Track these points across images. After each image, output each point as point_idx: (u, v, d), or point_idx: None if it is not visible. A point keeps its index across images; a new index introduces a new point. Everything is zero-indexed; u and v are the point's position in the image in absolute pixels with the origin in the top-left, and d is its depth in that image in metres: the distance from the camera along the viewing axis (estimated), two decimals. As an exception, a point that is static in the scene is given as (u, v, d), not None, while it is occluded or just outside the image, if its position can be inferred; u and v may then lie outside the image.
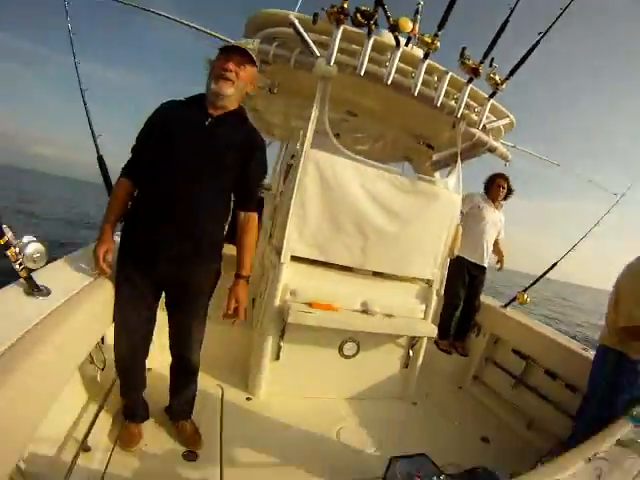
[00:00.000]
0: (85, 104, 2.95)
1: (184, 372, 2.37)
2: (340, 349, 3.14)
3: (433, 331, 3.27)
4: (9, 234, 1.55)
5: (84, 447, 1.97)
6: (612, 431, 1.98)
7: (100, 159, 2.92)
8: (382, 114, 3.62)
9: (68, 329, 1.52)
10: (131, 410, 2.32)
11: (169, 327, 2.25)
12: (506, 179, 4.29)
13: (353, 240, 2.98)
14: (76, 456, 1.88)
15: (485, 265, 4.30)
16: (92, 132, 2.96)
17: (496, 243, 4.45)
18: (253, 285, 3.48)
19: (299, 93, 3.38)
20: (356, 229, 2.97)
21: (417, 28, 2.79)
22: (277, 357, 2.97)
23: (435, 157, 4.15)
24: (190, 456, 2.22)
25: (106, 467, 1.98)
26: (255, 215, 2.21)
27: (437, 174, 4.04)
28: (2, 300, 1.55)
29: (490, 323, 4.19)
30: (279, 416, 2.81)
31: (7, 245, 1.55)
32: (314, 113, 2.83)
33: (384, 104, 3.33)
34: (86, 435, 2.04)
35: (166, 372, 2.43)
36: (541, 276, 4.28)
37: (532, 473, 1.61)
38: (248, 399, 2.93)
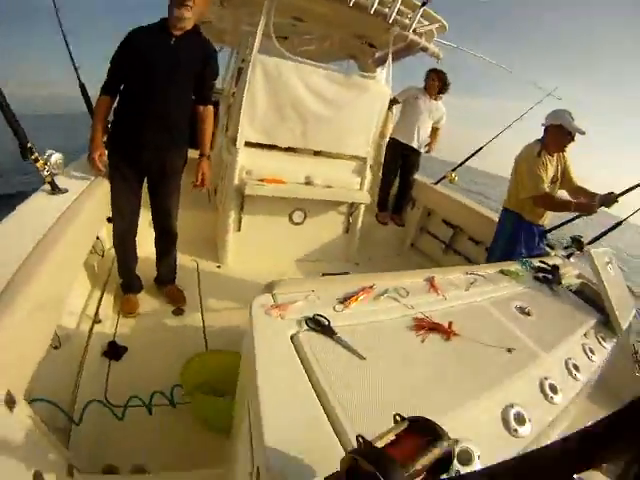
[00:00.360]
0: (65, 37, 3.18)
1: (166, 240, 2.94)
2: (290, 217, 3.76)
3: (367, 198, 3.94)
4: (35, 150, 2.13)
5: (96, 320, 2.52)
6: (498, 265, 2.40)
7: (82, 87, 3.25)
8: (327, 18, 3.92)
9: (80, 223, 2.02)
10: (128, 284, 2.89)
11: (152, 207, 2.81)
12: (438, 73, 4.67)
13: (295, 125, 3.54)
14: (92, 327, 2.43)
15: (415, 147, 4.73)
16: (73, 62, 3.23)
17: (434, 130, 4.89)
18: (214, 176, 4.04)
19: (248, 3, 3.69)
20: (297, 116, 3.51)
21: None
22: (239, 229, 3.58)
23: (377, 55, 4.51)
24: (178, 311, 2.86)
25: (115, 330, 2.57)
26: (211, 107, 2.77)
27: (378, 70, 4.41)
28: (35, 200, 2.10)
29: (424, 198, 4.82)
30: (243, 277, 3.44)
31: (36, 158, 2.14)
32: (261, 24, 3.26)
33: (328, 9, 3.64)
34: (97, 310, 2.59)
35: (152, 257, 3.00)
36: (466, 159, 4.94)
37: (421, 270, 2.02)
38: (218, 267, 3.58)
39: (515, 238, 3.26)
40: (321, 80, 3.51)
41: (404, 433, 0.65)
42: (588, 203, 3.03)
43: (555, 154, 3.23)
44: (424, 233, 4.81)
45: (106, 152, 2.61)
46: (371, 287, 1.57)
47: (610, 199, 3.05)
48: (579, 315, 2.02)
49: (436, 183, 4.85)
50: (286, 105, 3.45)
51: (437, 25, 3.87)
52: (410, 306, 1.53)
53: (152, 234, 2.91)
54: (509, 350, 1.42)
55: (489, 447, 1.00)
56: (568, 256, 3.12)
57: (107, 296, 2.83)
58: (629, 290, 2.60)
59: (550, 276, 2.35)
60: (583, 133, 3.11)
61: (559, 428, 1.28)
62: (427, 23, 3.81)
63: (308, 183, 3.69)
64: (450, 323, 1.45)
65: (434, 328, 1.40)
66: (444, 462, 0.62)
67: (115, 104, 2.57)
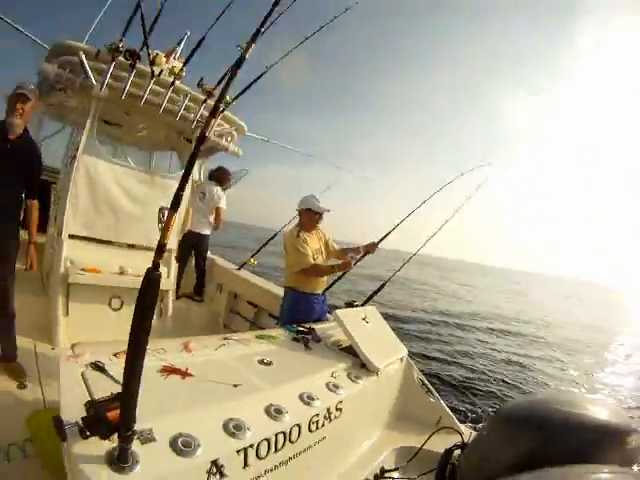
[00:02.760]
0: None
1: (4, 320, 3.18)
2: (109, 304, 4.10)
3: (171, 285, 4.49)
4: None
5: None
6: (258, 332, 2.98)
7: None
8: (151, 115, 4.43)
9: None
10: None
11: None
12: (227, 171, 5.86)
13: (110, 221, 4.07)
14: None
15: (204, 233, 5.68)
16: None
17: (218, 211, 5.76)
18: (45, 265, 4.49)
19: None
20: (111, 212, 4.05)
21: (173, 61, 4.08)
22: (67, 313, 3.84)
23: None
24: (22, 385, 3.07)
25: None
26: (36, 202, 3.24)
27: (196, 163, 5.05)
28: None
29: (229, 283, 5.51)
30: None
31: None
32: (87, 128, 3.83)
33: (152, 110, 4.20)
34: None
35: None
36: (263, 245, 5.94)
37: (185, 337, 2.43)
38: (53, 348, 3.72)
39: (295, 310, 3.84)
40: (131, 180, 4.13)
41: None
42: (345, 262, 3.87)
43: (313, 231, 4.00)
44: (234, 314, 5.39)
45: None
46: None
47: (372, 246, 4.00)
48: (329, 362, 2.58)
49: (239, 268, 5.58)
50: (103, 202, 3.97)
51: (232, 129, 4.73)
52: (163, 359, 1.97)
53: None
54: (235, 385, 1.89)
55: (209, 442, 1.49)
56: None
57: None
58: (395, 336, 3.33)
59: (308, 336, 2.93)
60: (328, 211, 3.96)
61: (295, 437, 1.84)
62: (227, 126, 4.63)
63: (122, 273, 4.09)
64: (187, 369, 1.93)
65: (174, 371, 1.87)
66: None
67: None
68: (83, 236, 3.96)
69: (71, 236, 3.87)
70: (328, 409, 2.11)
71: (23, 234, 3.15)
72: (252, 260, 5.47)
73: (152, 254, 3.90)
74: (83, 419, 1.22)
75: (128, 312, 4.15)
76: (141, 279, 3.70)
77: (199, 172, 5.51)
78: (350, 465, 2.38)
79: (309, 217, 3.96)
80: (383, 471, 2.33)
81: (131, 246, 4.32)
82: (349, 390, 2.34)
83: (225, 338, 2.60)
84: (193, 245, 5.54)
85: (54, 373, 3.19)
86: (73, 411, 1.31)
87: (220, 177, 5.76)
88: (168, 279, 4.44)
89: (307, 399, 2.04)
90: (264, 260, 5.71)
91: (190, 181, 4.49)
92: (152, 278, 1.42)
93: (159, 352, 2.06)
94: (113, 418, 1.19)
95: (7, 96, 3.01)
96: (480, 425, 2.13)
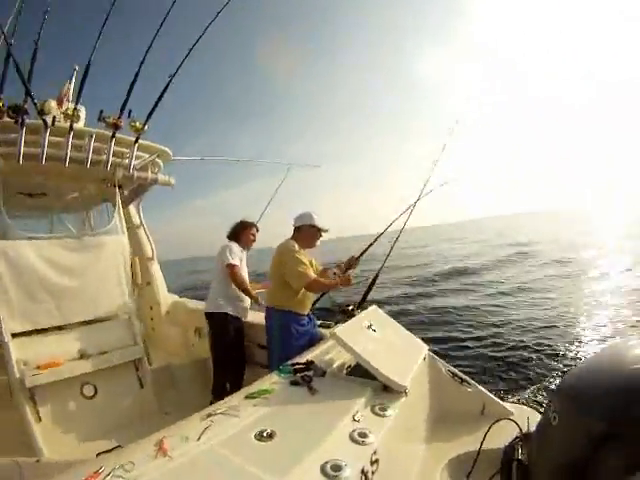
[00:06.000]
0: None
1: None
2: (82, 393, 3.54)
3: (141, 352, 3.86)
4: None
5: None
6: (245, 390, 2.22)
7: None
8: (66, 172, 3.91)
9: None
10: None
11: None
12: (254, 225, 4.54)
13: (49, 304, 3.47)
14: None
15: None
16: None
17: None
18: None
19: None
20: (47, 294, 3.46)
21: (66, 103, 3.60)
22: (39, 419, 3.31)
23: (126, 194, 4.63)
24: None
25: None
26: None
27: (132, 206, 4.52)
28: None
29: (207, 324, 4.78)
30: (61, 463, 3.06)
31: None
32: None
33: (54, 167, 3.67)
34: None
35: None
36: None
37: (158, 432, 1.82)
38: (37, 460, 3.14)
39: (287, 333, 3.42)
40: (58, 250, 3.56)
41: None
42: (345, 278, 3.49)
43: (304, 249, 3.62)
44: None
45: None
46: (97, 472, 1.48)
47: (353, 262, 3.70)
48: (344, 403, 2.02)
49: None
50: (34, 286, 3.40)
51: (154, 156, 4.18)
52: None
53: None
54: None
55: None
56: None
57: None
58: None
59: (309, 373, 2.31)
60: (327, 231, 3.67)
61: None
62: (147, 156, 4.07)
63: (82, 356, 3.55)
64: None
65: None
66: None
67: None
68: (27, 331, 3.42)
69: (14, 335, 3.33)
70: (362, 470, 1.58)
71: None
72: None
73: (110, 323, 3.49)
74: None
75: (105, 395, 3.68)
76: (106, 356, 3.27)
77: (138, 214, 4.86)
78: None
79: (311, 234, 3.70)
80: (445, 491, 2.04)
81: (84, 323, 3.75)
82: (379, 430, 1.81)
83: (208, 415, 1.95)
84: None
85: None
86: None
87: (232, 231, 4.43)
88: (136, 346, 3.86)
89: (332, 471, 1.49)
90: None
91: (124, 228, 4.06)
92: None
93: (125, 469, 1.50)
94: None
95: None
96: (528, 398, 1.93)
